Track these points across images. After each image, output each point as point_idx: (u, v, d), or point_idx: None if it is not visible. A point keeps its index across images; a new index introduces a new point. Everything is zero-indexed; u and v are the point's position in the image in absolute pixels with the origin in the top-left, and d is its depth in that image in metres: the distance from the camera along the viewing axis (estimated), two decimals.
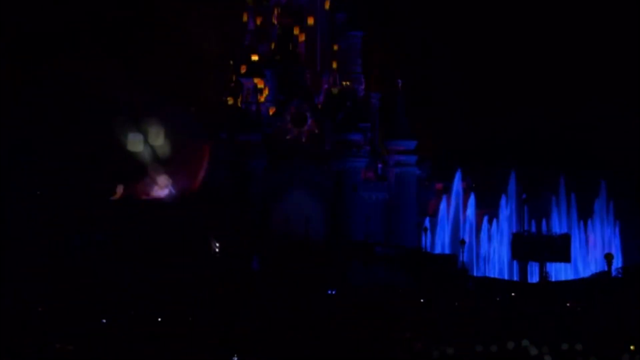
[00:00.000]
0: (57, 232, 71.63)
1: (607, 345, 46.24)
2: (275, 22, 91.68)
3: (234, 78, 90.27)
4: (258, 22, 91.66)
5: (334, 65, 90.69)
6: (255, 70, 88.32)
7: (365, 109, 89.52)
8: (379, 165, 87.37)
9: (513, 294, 66.69)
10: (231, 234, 74.09)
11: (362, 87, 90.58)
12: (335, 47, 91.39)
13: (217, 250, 72.30)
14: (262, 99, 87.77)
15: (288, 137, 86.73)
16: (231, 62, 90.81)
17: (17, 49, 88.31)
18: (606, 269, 72.92)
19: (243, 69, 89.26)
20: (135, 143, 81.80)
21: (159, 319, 50.49)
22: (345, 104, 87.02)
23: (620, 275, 72.04)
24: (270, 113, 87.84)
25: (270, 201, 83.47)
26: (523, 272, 79.92)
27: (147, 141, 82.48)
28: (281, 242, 75.54)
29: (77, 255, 68.99)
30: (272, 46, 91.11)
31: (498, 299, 64.26)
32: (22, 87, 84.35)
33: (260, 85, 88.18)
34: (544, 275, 74.93)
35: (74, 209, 73.41)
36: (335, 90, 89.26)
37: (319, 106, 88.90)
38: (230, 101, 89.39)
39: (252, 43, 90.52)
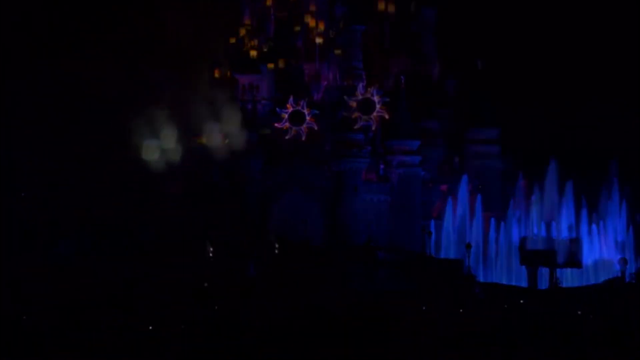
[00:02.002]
0: (56, 232, 72.92)
1: (620, 353, 45.90)
2: (272, 16, 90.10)
3: (229, 75, 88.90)
4: (254, 16, 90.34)
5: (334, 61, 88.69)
6: (251, 66, 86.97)
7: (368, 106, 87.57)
8: (381, 166, 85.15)
9: (522, 301, 65.18)
10: (227, 236, 73.99)
11: (363, 84, 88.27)
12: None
13: (211, 254, 71.10)
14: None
15: (287, 137, 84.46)
16: (226, 58, 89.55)
17: (17, 49, 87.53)
18: (619, 274, 71.66)
19: (238, 65, 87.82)
20: (150, 149, 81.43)
21: (156, 320, 51.98)
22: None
23: (634, 281, 70.67)
24: (267, 111, 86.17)
25: (268, 203, 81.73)
26: (533, 278, 77.81)
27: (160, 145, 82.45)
28: (279, 246, 74.18)
29: (75, 255, 70.11)
30: (269, 41, 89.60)
31: (506, 306, 62.82)
32: (22, 87, 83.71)
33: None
34: (554, 281, 73.46)
35: (74, 208, 74.11)
36: (335, 88, 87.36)
37: (318, 104, 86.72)
38: (226, 98, 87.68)
39: (248, 38, 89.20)
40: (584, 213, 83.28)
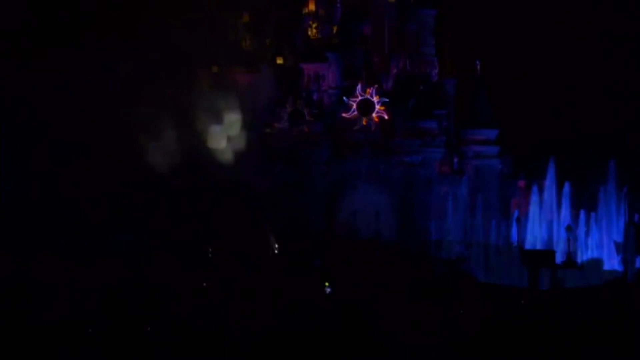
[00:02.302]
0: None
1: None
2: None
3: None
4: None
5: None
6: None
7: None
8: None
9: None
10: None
11: (436, 71, 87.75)
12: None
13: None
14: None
15: (356, 127, 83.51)
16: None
17: (17, 49, 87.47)
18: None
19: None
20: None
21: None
22: (344, 103, 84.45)
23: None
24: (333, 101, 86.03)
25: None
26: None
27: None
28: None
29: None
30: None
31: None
32: (21, 87, 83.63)
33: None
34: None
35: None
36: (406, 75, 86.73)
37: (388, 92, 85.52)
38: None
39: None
40: (583, 213, 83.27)
